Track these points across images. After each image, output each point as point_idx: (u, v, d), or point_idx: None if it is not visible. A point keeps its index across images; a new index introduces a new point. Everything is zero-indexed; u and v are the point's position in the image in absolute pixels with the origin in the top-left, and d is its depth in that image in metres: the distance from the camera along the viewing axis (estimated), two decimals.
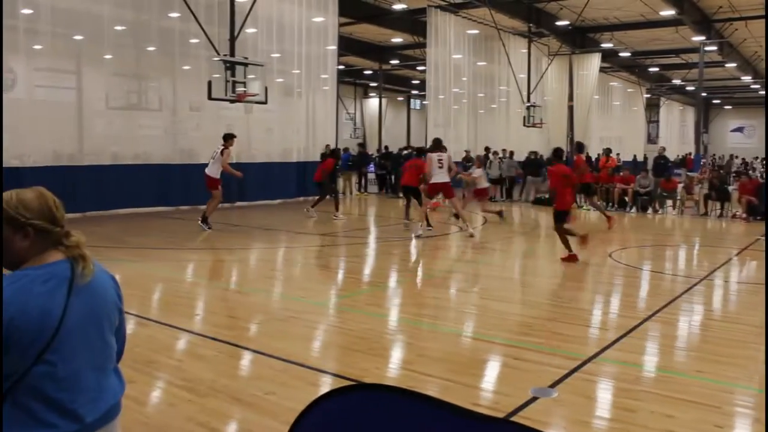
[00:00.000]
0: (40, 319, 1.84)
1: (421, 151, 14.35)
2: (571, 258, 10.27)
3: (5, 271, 1.93)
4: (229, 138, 13.33)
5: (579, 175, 10.41)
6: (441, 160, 12.58)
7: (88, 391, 1.98)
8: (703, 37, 26.41)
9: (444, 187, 12.81)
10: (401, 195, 14.71)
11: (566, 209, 10.53)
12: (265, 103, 16.14)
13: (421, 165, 13.37)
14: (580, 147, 10.50)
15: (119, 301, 2.16)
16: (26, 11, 13.87)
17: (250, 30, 17.27)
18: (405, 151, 24.10)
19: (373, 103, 44.83)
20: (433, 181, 12.65)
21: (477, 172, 15.66)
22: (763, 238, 9.65)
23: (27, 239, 1.92)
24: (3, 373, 1.82)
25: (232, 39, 15.54)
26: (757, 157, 41.36)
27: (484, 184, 15.60)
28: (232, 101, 15.32)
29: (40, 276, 1.89)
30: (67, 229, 2.02)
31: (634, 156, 39.75)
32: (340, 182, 23.05)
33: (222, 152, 13.12)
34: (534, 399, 4.53)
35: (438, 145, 12.94)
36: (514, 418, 4.12)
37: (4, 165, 13.35)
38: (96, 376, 2.02)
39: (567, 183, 10.43)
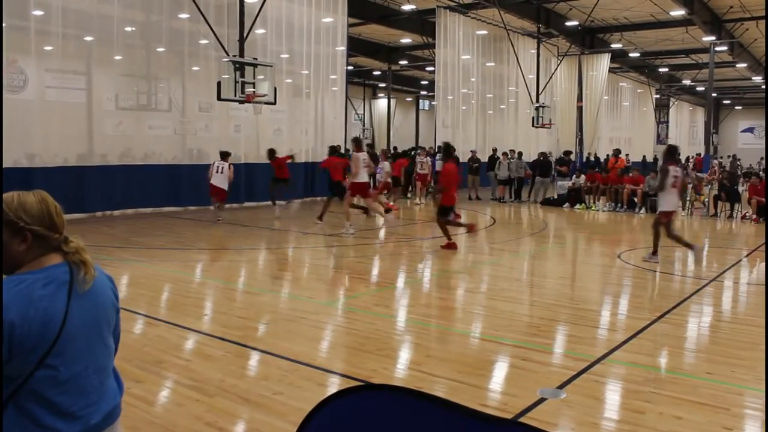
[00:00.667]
0: (42, 323, 1.82)
1: (335, 150, 14.61)
2: (450, 246, 11.14)
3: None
4: (229, 156, 14.84)
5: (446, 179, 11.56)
6: (365, 159, 13.19)
7: (90, 394, 1.97)
8: (713, 38, 26.27)
9: (366, 186, 13.44)
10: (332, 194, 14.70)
11: (452, 204, 11.35)
12: (274, 103, 16.16)
13: (343, 162, 14.12)
14: (448, 152, 11.68)
15: (116, 301, 2.14)
16: (37, 12, 13.95)
17: (259, 31, 17.31)
18: (414, 152, 24.08)
19: (381, 103, 44.85)
20: (359, 180, 13.11)
21: (385, 165, 16.19)
22: None
23: (25, 244, 1.89)
24: (5, 378, 1.81)
25: (242, 40, 15.57)
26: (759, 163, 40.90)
27: (387, 179, 16.43)
28: (241, 102, 15.36)
29: (40, 280, 1.87)
30: (66, 234, 1.99)
31: (644, 157, 39.61)
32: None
33: (229, 167, 14.53)
34: (542, 400, 4.52)
35: (361, 145, 13.54)
36: (522, 419, 4.11)
37: (15, 165, 13.45)
38: (98, 378, 2.01)
39: (454, 182, 11.34)
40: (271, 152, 16.43)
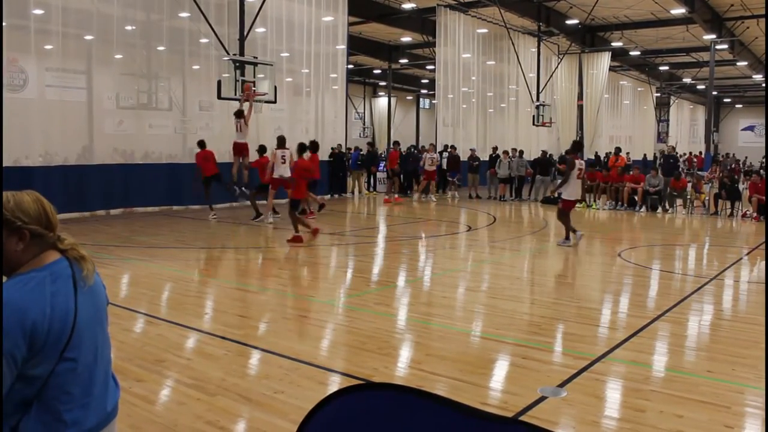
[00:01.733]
0: (60, 318, 1.85)
1: (264, 150, 14.98)
2: (296, 239, 11.63)
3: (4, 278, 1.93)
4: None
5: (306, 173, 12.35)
6: (284, 156, 13.79)
7: (99, 385, 2.02)
8: (714, 36, 26.27)
9: (286, 181, 13.88)
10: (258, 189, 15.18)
11: (301, 198, 12.17)
12: (274, 102, 16.17)
13: (265, 162, 14.44)
14: (303, 148, 12.55)
15: (105, 293, 2.19)
16: (37, 11, 13.95)
17: (259, 29, 17.30)
18: (414, 151, 24.08)
19: (382, 102, 44.84)
20: (276, 175, 13.78)
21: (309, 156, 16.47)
22: None
23: (22, 243, 1.91)
24: (31, 378, 1.83)
25: (242, 38, 15.58)
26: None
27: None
28: (241, 101, 15.36)
29: (46, 277, 1.89)
30: (58, 232, 2.02)
31: (644, 155, 39.59)
32: (350, 180, 23.09)
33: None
34: (543, 398, 4.52)
35: (282, 143, 13.95)
36: (522, 418, 4.11)
37: (16, 164, 13.45)
38: (105, 369, 2.07)
39: (305, 176, 12.05)
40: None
